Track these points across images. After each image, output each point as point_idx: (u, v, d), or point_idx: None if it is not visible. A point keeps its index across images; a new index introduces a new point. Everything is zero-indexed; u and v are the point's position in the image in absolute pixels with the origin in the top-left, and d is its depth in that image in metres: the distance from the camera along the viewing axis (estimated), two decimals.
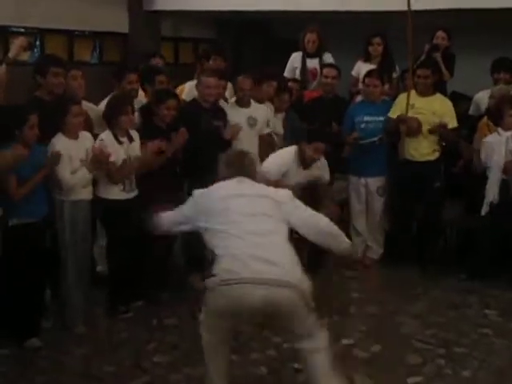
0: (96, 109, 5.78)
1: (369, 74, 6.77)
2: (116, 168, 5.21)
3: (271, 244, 3.72)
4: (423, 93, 6.48)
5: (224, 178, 4.05)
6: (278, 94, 6.65)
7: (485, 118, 6.46)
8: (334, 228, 4.04)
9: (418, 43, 6.63)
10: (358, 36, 7.59)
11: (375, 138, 6.58)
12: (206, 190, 4.01)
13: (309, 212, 3.98)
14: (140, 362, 4.67)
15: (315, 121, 6.59)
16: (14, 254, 4.66)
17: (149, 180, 5.37)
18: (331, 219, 4.08)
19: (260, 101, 6.45)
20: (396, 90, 7.26)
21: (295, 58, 7.63)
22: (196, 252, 5.74)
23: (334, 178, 6.56)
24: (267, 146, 6.38)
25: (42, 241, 4.84)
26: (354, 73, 7.58)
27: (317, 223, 3.98)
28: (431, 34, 7.35)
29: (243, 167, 4.07)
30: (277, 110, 6.70)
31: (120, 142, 5.30)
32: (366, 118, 6.64)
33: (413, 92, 6.40)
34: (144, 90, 6.25)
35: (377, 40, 7.39)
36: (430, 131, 6.37)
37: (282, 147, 6.28)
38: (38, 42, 8.85)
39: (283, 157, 5.95)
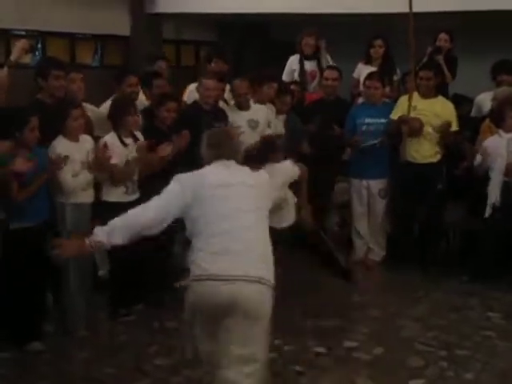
0: (97, 111, 5.78)
1: (369, 76, 6.78)
2: (118, 170, 5.21)
3: (251, 239, 3.57)
4: (425, 95, 6.47)
5: (209, 162, 3.79)
6: (280, 96, 6.65)
7: (487, 120, 6.46)
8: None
9: (421, 45, 6.64)
10: (359, 38, 7.60)
11: (376, 141, 6.58)
12: (192, 174, 3.73)
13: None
14: (141, 365, 4.66)
15: (316, 123, 6.58)
16: (15, 256, 4.65)
17: (149, 182, 5.36)
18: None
19: (261, 102, 6.45)
20: (397, 92, 7.27)
21: (293, 61, 7.62)
22: None
23: (336, 181, 6.54)
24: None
25: (43, 244, 4.82)
26: (355, 75, 7.59)
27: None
28: (433, 36, 7.35)
29: (228, 148, 3.82)
30: (278, 112, 6.70)
31: (125, 144, 5.31)
32: (368, 120, 6.64)
33: (415, 94, 6.40)
34: (145, 92, 6.26)
35: (378, 42, 7.40)
36: (436, 130, 6.34)
37: (283, 149, 6.27)
38: (39, 45, 8.82)
39: None
